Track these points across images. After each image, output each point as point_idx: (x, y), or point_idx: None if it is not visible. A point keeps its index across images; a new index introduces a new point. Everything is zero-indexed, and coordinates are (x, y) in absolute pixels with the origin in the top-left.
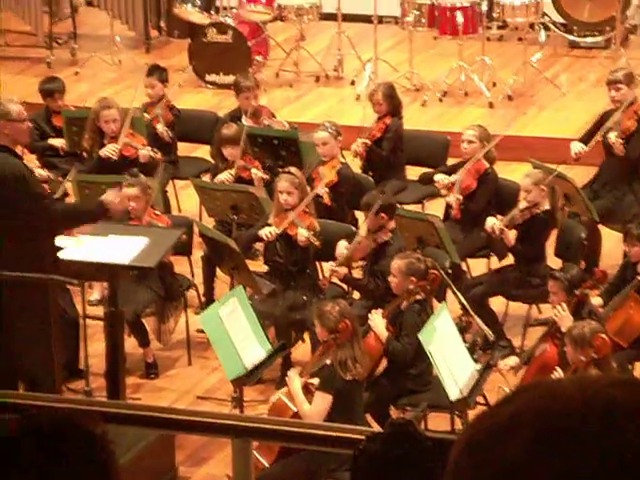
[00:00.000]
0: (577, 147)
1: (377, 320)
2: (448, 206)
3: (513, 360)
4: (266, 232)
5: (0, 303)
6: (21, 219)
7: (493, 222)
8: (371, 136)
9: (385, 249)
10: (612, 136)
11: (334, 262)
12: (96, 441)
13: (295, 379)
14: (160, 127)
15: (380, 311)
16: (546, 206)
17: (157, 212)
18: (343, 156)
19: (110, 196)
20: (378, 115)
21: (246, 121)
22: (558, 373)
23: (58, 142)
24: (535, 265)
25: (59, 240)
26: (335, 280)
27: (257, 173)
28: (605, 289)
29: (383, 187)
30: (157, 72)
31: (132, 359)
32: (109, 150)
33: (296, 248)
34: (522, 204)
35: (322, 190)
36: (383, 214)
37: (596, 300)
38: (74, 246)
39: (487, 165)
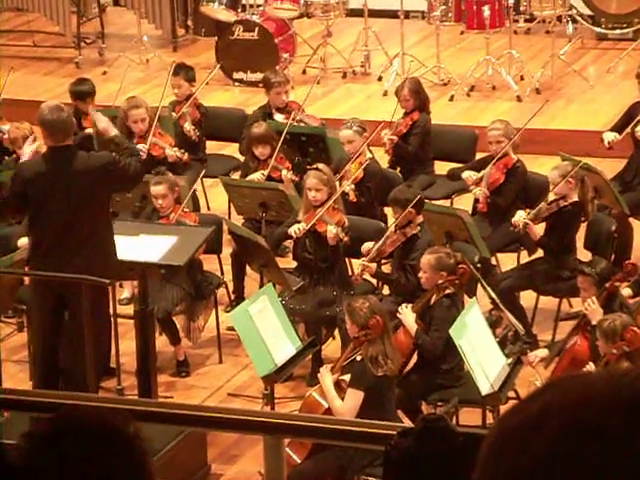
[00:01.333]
0: (610, 136)
1: (407, 314)
2: (475, 200)
3: (542, 352)
4: (295, 229)
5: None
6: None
7: (520, 216)
8: (397, 131)
9: (414, 243)
10: (639, 130)
11: (365, 258)
12: (129, 439)
13: (327, 375)
14: (187, 126)
15: (410, 305)
16: (575, 198)
17: (186, 209)
18: (371, 151)
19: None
20: (405, 110)
21: (277, 116)
22: (590, 367)
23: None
24: (564, 258)
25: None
26: (366, 276)
27: (287, 174)
28: (635, 280)
29: (411, 182)
30: (183, 71)
31: (163, 357)
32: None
33: (325, 244)
34: (549, 197)
35: (348, 187)
36: (411, 209)
37: (626, 291)
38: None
39: (515, 159)
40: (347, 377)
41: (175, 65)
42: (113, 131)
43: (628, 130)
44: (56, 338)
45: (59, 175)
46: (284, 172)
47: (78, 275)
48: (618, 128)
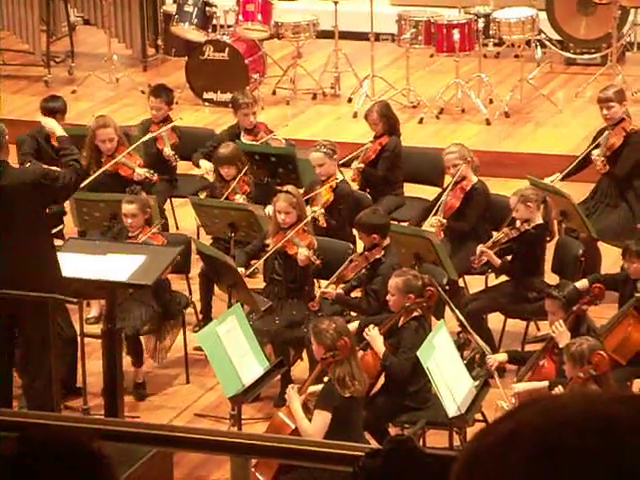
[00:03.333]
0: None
1: (374, 336)
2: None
3: (502, 356)
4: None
5: (9, 322)
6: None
7: (479, 249)
8: (366, 158)
9: (377, 267)
10: (595, 153)
11: (326, 283)
12: (94, 458)
13: (295, 396)
14: (167, 151)
15: (376, 327)
16: (538, 220)
17: (154, 231)
18: (341, 172)
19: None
20: (375, 134)
21: (244, 138)
22: (558, 389)
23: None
24: (531, 279)
25: (60, 256)
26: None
27: (239, 200)
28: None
29: (378, 205)
30: (164, 94)
31: (130, 377)
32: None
33: (295, 266)
34: (504, 225)
35: (318, 211)
36: (375, 235)
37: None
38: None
39: (474, 181)
40: (314, 390)
41: (155, 87)
42: (59, 131)
43: (585, 153)
44: (9, 360)
45: None
46: (237, 197)
47: (45, 294)
48: (583, 158)
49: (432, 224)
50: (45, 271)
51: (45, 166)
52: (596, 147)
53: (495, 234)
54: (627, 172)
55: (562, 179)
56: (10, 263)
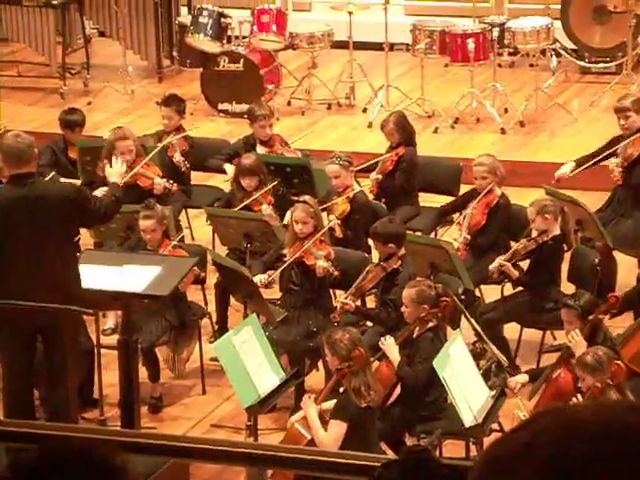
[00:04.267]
0: (565, 169)
1: (390, 345)
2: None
3: (523, 377)
4: (260, 279)
5: (33, 333)
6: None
7: (497, 261)
8: (383, 169)
9: (395, 277)
10: (613, 162)
11: (345, 294)
12: (116, 472)
13: (311, 405)
14: (177, 157)
15: (392, 337)
16: (556, 231)
17: (175, 244)
18: (358, 183)
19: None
20: (391, 144)
21: (260, 149)
22: (576, 399)
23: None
24: (548, 289)
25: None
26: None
27: (266, 209)
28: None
29: (394, 215)
30: (175, 103)
31: (146, 388)
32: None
33: (312, 276)
34: (523, 239)
35: (333, 222)
36: (391, 244)
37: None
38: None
39: (498, 195)
40: (328, 406)
41: (167, 96)
42: (115, 179)
43: (601, 162)
44: (30, 372)
45: (18, 202)
46: (264, 207)
47: (62, 305)
48: (585, 160)
49: (456, 239)
50: (71, 285)
51: (84, 187)
52: (612, 156)
53: (513, 245)
54: None
55: (574, 169)
56: (39, 276)
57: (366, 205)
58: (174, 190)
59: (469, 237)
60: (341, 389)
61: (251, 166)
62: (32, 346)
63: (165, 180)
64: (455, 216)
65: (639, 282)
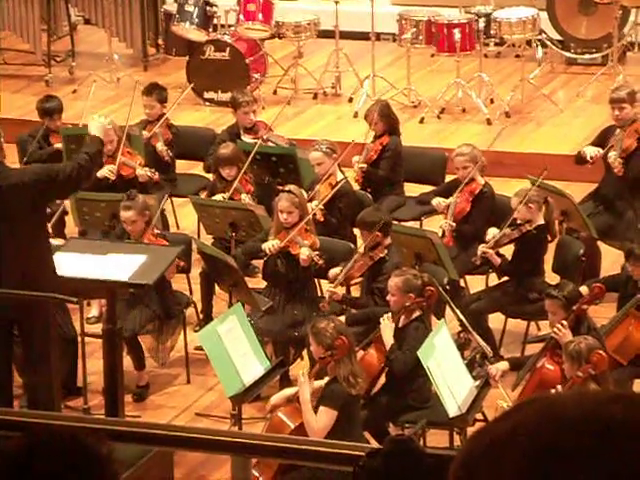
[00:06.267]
0: (592, 151)
1: (387, 326)
2: (442, 233)
3: (503, 364)
4: (269, 246)
5: (7, 322)
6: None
7: (480, 249)
8: (368, 158)
9: (382, 266)
10: (612, 155)
11: (332, 284)
12: (100, 460)
13: (307, 386)
14: (160, 146)
15: (390, 316)
16: (539, 221)
17: (157, 232)
18: (342, 172)
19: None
20: (375, 134)
21: (244, 137)
22: (558, 389)
23: None
24: (532, 280)
25: (57, 256)
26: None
27: (245, 198)
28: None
29: (380, 204)
30: (156, 91)
31: (130, 377)
32: (106, 171)
33: (296, 265)
34: (505, 226)
35: (316, 208)
36: (378, 232)
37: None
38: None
39: (482, 183)
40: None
41: (148, 85)
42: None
43: (600, 154)
44: (7, 359)
45: None
46: (243, 196)
47: (45, 294)
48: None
49: (442, 226)
50: (44, 272)
51: (44, 165)
52: (602, 147)
53: (494, 231)
54: None
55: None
56: (10, 264)
57: (351, 194)
58: (156, 179)
59: (454, 224)
60: (326, 378)
61: (229, 156)
62: (9, 334)
63: (147, 169)
64: (435, 202)
65: (623, 271)
